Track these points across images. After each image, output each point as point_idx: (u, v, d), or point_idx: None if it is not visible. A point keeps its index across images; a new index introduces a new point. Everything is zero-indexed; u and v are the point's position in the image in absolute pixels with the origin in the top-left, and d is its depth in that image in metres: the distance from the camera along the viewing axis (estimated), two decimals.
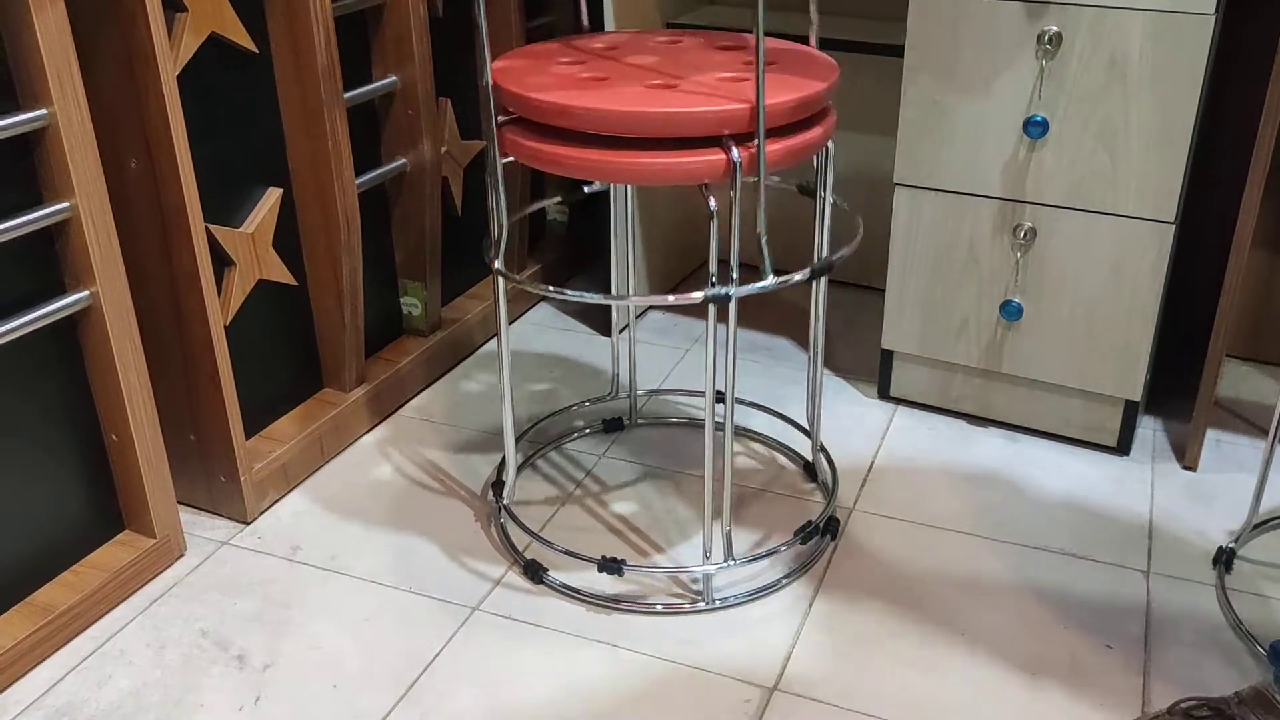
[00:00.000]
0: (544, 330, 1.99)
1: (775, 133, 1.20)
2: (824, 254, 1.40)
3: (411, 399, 1.77)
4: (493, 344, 1.93)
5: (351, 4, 1.54)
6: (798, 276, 1.28)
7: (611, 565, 1.36)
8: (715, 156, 1.15)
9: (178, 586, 1.38)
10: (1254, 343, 1.85)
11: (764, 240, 1.24)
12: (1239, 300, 1.82)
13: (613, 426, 1.70)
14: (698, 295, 1.24)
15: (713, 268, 1.22)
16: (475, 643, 1.30)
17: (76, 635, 1.31)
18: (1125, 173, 1.46)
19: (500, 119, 1.27)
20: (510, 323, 2.01)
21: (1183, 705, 1.17)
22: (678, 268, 2.12)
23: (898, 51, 1.77)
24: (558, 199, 1.66)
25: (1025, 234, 1.54)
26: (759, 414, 1.72)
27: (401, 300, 1.80)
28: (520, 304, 2.04)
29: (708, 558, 1.35)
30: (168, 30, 1.27)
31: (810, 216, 1.53)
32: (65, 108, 1.17)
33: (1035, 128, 1.47)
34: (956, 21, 1.48)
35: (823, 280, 1.41)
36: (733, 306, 1.24)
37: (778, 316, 2.02)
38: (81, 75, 1.18)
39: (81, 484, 1.34)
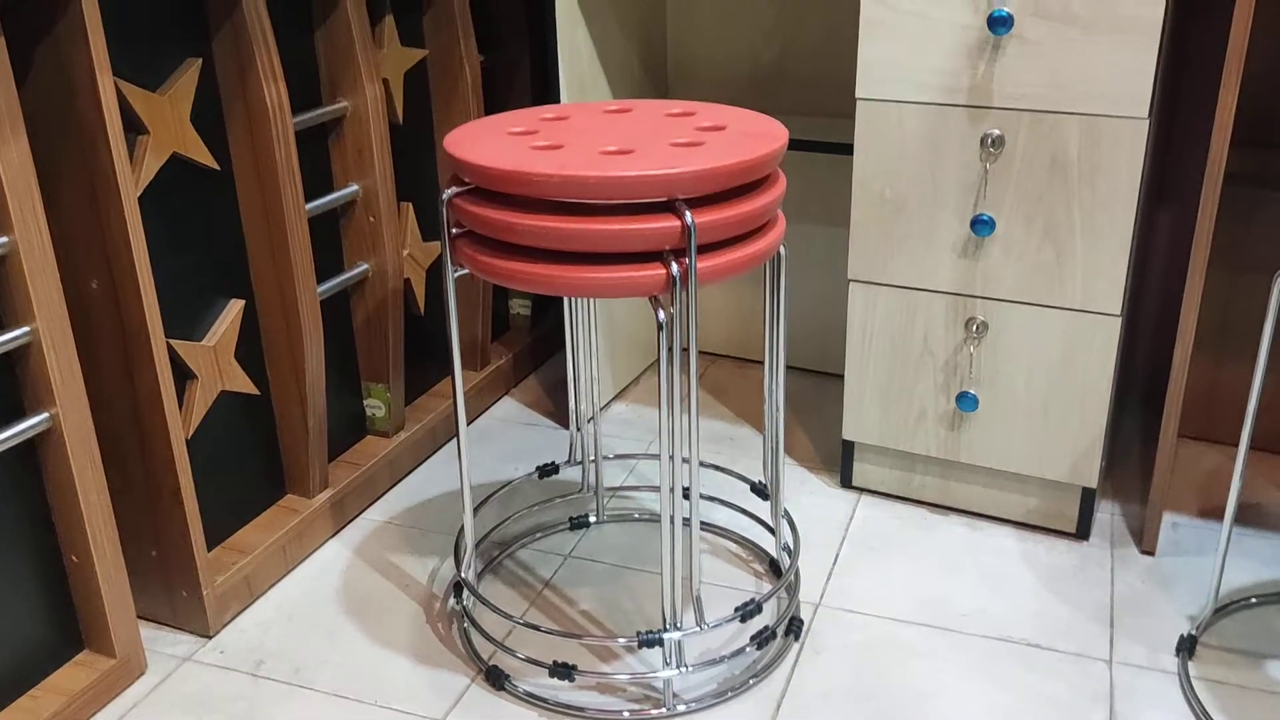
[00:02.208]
0: (509, 425, 2.00)
1: (722, 245, 1.23)
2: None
3: (375, 501, 1.77)
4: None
5: (312, 118, 1.57)
6: (730, 619, 1.38)
7: (563, 671, 1.35)
8: (657, 271, 1.18)
9: (138, 707, 1.36)
10: (1207, 424, 1.89)
11: (698, 592, 1.36)
12: (1191, 382, 1.86)
13: (579, 524, 1.71)
14: (622, 640, 1.40)
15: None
16: None
17: None
18: (1071, 268, 1.50)
19: (454, 230, 1.30)
20: (473, 420, 2.01)
21: None
22: (639, 360, 2.14)
23: (850, 149, 1.82)
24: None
25: (978, 327, 1.57)
26: (722, 509, 1.73)
27: (365, 403, 1.80)
28: (484, 399, 2.05)
29: (668, 663, 1.35)
30: (129, 153, 1.28)
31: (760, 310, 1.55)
32: (26, 235, 1.18)
33: (983, 226, 1.51)
34: (902, 125, 1.52)
35: (780, 378, 1.43)
36: (693, 394, 1.26)
37: (741, 405, 2.04)
38: (43, 198, 1.20)
39: (40, 605, 1.33)
